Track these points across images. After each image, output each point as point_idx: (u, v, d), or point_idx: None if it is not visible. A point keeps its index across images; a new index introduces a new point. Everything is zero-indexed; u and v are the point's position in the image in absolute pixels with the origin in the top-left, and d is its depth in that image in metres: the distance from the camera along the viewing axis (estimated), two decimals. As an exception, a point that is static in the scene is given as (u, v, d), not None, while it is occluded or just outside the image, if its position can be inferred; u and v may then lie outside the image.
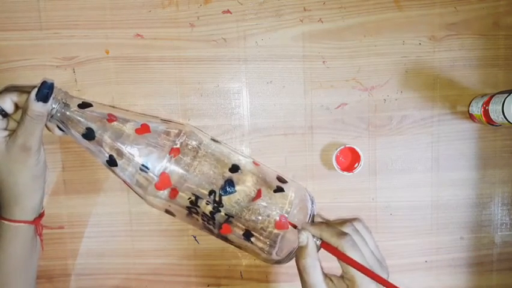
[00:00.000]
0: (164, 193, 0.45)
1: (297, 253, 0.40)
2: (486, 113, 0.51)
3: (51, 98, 0.41)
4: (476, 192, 0.57)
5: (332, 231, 0.39)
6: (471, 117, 0.56)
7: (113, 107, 0.52)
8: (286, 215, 0.44)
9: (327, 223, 0.42)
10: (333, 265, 0.39)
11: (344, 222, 0.41)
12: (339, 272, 0.39)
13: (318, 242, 0.40)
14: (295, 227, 0.43)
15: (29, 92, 0.41)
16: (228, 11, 0.53)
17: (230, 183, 0.44)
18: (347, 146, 0.53)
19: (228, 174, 0.45)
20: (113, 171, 0.45)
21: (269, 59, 0.54)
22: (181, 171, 0.44)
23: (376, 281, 0.37)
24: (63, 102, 0.43)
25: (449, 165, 0.57)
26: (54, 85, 0.42)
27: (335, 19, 0.54)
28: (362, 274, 0.37)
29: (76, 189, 0.54)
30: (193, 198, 0.44)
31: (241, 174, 0.46)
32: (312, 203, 0.46)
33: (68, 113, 0.43)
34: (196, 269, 0.56)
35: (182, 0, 0.53)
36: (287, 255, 0.44)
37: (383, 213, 0.57)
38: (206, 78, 0.54)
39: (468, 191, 0.57)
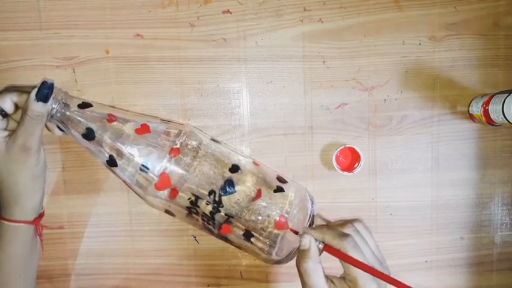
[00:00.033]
0: (164, 193, 0.45)
1: (299, 256, 0.40)
2: (486, 113, 0.51)
3: (51, 98, 0.41)
4: (476, 192, 0.57)
5: (334, 233, 0.39)
6: (471, 117, 0.56)
7: (113, 107, 0.52)
8: (287, 215, 0.44)
9: (327, 226, 0.42)
10: (333, 265, 0.39)
11: (344, 223, 0.41)
12: (339, 272, 0.39)
13: (321, 246, 0.40)
14: (296, 233, 0.42)
15: (29, 92, 0.41)
16: (228, 11, 0.53)
17: (230, 183, 0.44)
18: (347, 146, 0.53)
19: (228, 174, 0.45)
20: (113, 172, 0.45)
21: (269, 59, 0.54)
22: (181, 171, 0.44)
23: (381, 278, 0.37)
24: (63, 102, 0.43)
25: (449, 165, 0.57)
26: (54, 85, 0.42)
27: (335, 19, 0.54)
28: (364, 275, 0.37)
29: (76, 189, 0.54)
30: (193, 198, 0.44)
31: (241, 174, 0.46)
32: (312, 203, 0.46)
33: (68, 113, 0.43)
34: (196, 269, 0.56)
35: (182, 0, 0.53)
36: (287, 256, 0.44)
37: (383, 213, 0.57)
38: (206, 78, 0.54)
39: (468, 191, 0.57)
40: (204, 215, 0.45)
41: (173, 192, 0.44)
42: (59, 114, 0.43)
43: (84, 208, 0.54)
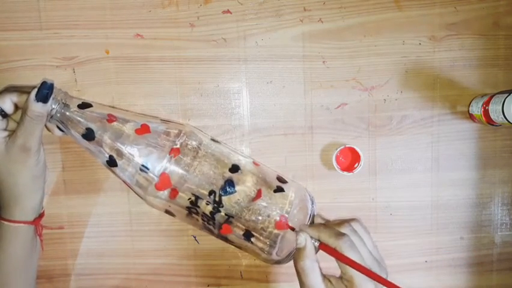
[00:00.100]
0: (164, 193, 0.45)
1: (295, 255, 0.40)
2: (486, 113, 0.51)
3: (51, 98, 0.41)
4: (476, 192, 0.57)
5: (330, 232, 0.39)
6: (471, 117, 0.56)
7: (113, 107, 0.52)
8: (287, 215, 0.44)
9: (324, 224, 0.42)
10: (331, 265, 0.39)
11: (341, 222, 0.41)
12: (337, 272, 0.39)
13: (316, 244, 0.40)
14: (293, 229, 0.43)
15: (28, 93, 0.41)
16: (228, 11, 0.53)
17: (230, 183, 0.44)
18: (347, 146, 0.53)
19: (228, 174, 0.45)
20: (113, 172, 0.45)
21: (269, 59, 0.54)
22: (181, 171, 0.44)
23: (375, 280, 0.37)
24: (63, 103, 0.43)
25: (449, 165, 0.57)
26: (54, 85, 0.42)
27: (335, 19, 0.54)
28: (360, 274, 0.37)
29: (76, 189, 0.54)
30: (193, 198, 0.44)
31: (241, 174, 0.46)
32: (312, 203, 0.46)
33: (68, 113, 0.43)
34: (196, 269, 0.56)
35: (182, 0, 0.53)
36: (287, 256, 0.44)
37: (383, 213, 0.57)
38: (206, 78, 0.54)
39: (468, 191, 0.57)
40: (204, 215, 0.45)
41: (174, 193, 0.44)
42: (59, 115, 0.43)
43: (84, 208, 0.54)
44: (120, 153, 0.43)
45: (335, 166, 0.53)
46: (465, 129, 0.56)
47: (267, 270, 0.57)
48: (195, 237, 0.56)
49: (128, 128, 0.44)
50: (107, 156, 0.44)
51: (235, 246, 0.47)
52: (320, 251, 0.40)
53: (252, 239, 0.44)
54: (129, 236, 0.55)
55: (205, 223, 0.46)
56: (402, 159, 0.56)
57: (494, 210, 0.58)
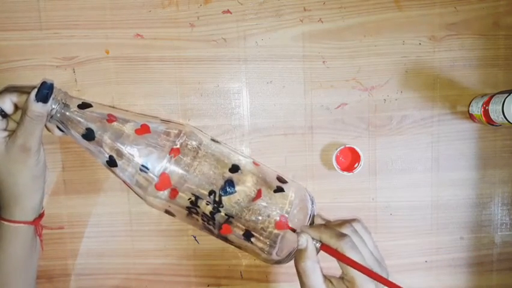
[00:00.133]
0: (164, 193, 0.45)
1: (296, 256, 0.40)
2: (486, 113, 0.51)
3: (51, 98, 0.41)
4: (476, 192, 0.57)
5: (331, 232, 0.39)
6: (471, 117, 0.56)
7: (113, 107, 0.52)
8: (287, 215, 0.44)
9: (325, 225, 0.42)
10: (332, 265, 0.39)
11: (342, 223, 0.41)
12: (337, 272, 0.39)
13: (318, 245, 0.40)
14: (294, 230, 0.43)
15: (28, 93, 0.41)
16: (228, 11, 0.53)
17: (230, 183, 0.44)
18: (347, 146, 0.53)
19: (228, 174, 0.45)
20: (113, 172, 0.45)
21: (269, 59, 0.54)
22: (181, 171, 0.44)
23: (377, 280, 0.37)
24: (63, 103, 0.43)
25: (449, 165, 0.57)
26: (54, 85, 0.42)
27: (335, 19, 0.54)
28: (362, 275, 0.37)
29: (76, 189, 0.54)
30: (193, 198, 0.44)
31: (241, 174, 0.46)
32: (312, 203, 0.46)
33: (67, 113, 0.43)
34: (196, 269, 0.56)
35: (182, 0, 0.53)
36: (287, 256, 0.44)
37: (383, 213, 0.57)
38: (206, 78, 0.54)
39: (468, 191, 0.57)
40: (204, 215, 0.45)
41: (174, 193, 0.44)
42: (58, 115, 0.43)
43: (84, 208, 0.54)
44: (120, 153, 0.43)
45: (335, 166, 0.53)
46: (465, 129, 0.56)
47: (267, 270, 0.57)
48: (194, 237, 0.56)
49: (128, 128, 0.44)
50: (107, 156, 0.44)
51: (235, 246, 0.47)
52: (321, 252, 0.40)
53: (252, 239, 0.44)
54: (129, 236, 0.55)
55: (205, 223, 0.46)
56: (402, 159, 0.56)
57: (494, 210, 0.58)
